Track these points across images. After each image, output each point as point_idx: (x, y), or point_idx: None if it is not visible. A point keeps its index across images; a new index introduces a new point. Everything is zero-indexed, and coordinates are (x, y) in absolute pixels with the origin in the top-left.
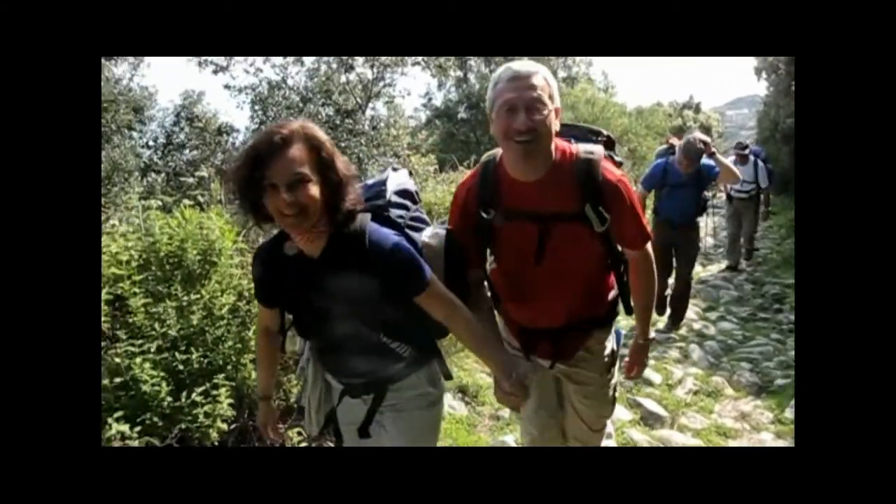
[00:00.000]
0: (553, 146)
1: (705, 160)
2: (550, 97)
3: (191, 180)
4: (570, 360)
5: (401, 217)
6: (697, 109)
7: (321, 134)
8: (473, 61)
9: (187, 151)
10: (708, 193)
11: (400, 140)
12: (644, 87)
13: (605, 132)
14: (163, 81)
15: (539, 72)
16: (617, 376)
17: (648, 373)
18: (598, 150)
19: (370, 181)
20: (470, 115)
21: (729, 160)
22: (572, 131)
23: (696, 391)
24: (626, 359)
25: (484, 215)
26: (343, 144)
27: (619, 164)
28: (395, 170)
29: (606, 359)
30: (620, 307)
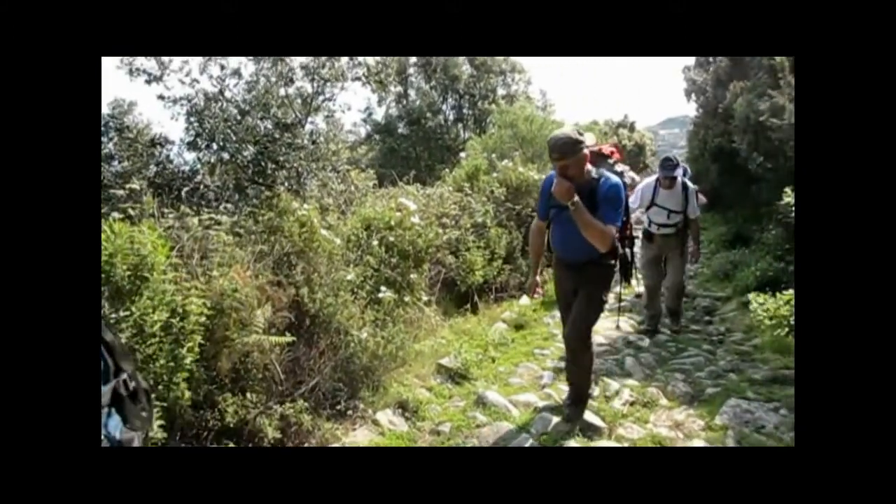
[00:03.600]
0: None
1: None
2: None
3: (120, 192)
4: None
5: None
6: (632, 128)
7: None
8: (413, 77)
9: (116, 163)
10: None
11: (339, 155)
12: (581, 106)
13: None
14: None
15: None
16: None
17: None
18: None
19: None
20: (410, 130)
21: (647, 181)
22: None
23: (632, 402)
24: None
25: None
26: (282, 158)
27: None
28: None
29: None
30: None
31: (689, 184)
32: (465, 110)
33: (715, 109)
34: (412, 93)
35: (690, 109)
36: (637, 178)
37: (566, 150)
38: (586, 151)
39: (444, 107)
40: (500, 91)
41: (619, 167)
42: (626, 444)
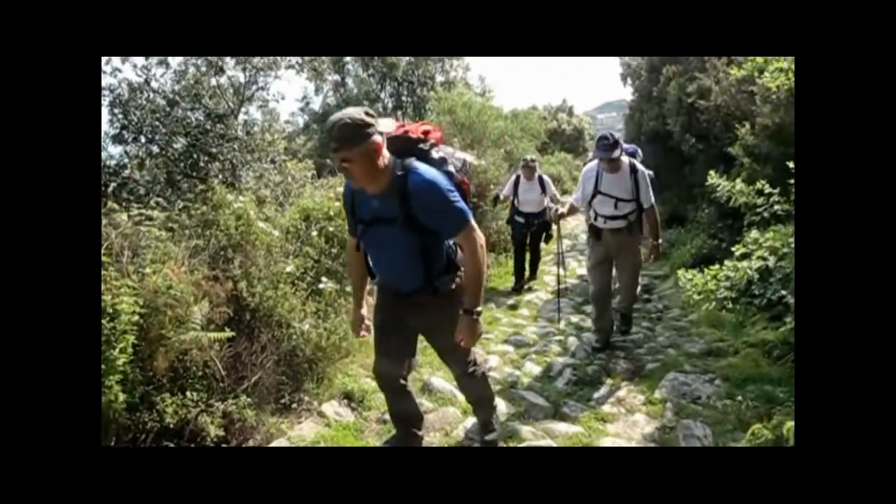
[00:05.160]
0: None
1: None
2: None
3: None
4: None
5: None
6: (570, 113)
7: None
8: (351, 65)
9: None
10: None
11: (276, 145)
12: (520, 92)
13: None
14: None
15: None
16: None
17: (530, 366)
18: None
19: None
20: None
21: (589, 166)
22: None
23: (575, 381)
24: None
25: None
26: (215, 150)
27: None
28: None
29: None
30: None
31: (640, 166)
32: (403, 98)
33: (649, 93)
34: (350, 81)
35: (627, 94)
36: (469, 159)
37: (345, 137)
38: (377, 139)
39: (382, 94)
40: (439, 78)
41: (438, 152)
42: (570, 422)
